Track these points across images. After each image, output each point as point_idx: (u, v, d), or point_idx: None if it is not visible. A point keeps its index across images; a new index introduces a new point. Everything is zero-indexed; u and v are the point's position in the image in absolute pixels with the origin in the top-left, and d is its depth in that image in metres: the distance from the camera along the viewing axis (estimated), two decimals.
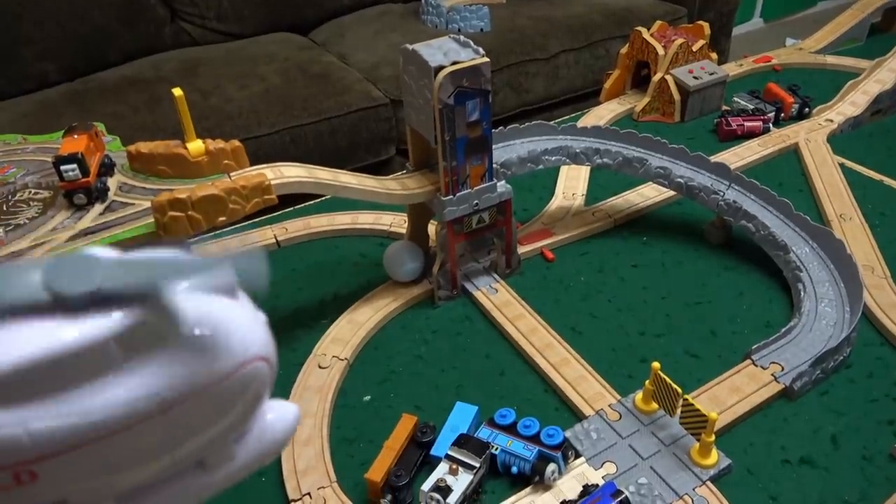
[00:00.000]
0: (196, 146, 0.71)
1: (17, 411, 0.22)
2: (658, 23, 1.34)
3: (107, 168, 0.72)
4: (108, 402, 0.23)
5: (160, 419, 0.25)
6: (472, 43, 0.79)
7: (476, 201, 0.84)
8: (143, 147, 0.72)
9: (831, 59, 1.47)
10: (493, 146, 0.85)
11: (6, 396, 0.22)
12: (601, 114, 1.29)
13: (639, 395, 0.72)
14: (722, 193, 0.93)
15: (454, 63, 0.75)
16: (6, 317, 0.23)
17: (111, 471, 0.25)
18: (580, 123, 1.23)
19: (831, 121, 1.22)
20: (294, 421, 0.32)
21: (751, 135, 1.20)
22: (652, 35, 1.30)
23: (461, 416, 0.71)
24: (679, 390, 0.66)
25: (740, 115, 1.21)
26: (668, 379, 0.67)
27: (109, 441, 0.24)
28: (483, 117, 0.79)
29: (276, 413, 0.31)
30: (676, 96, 1.25)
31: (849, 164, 1.12)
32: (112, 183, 0.71)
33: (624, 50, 1.33)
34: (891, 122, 1.25)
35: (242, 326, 0.27)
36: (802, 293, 0.83)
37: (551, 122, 1.00)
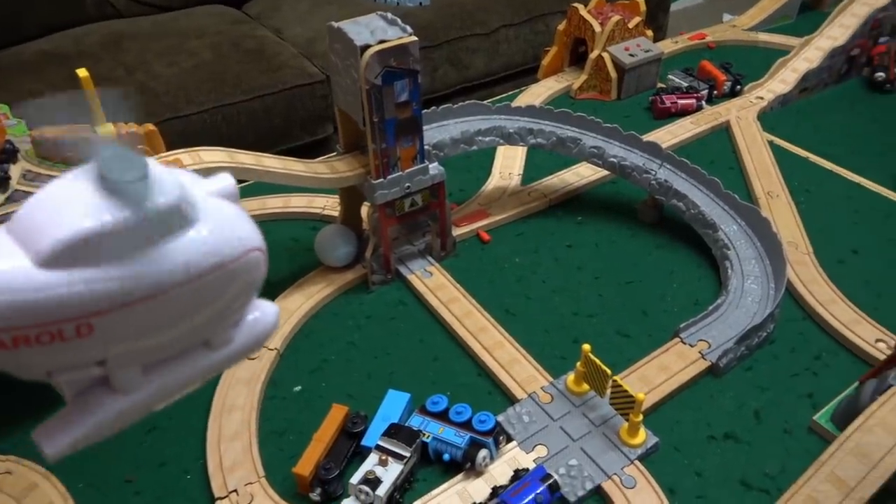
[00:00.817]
0: (106, 130, 0.67)
1: (82, 272, 0.27)
2: (595, 0, 1.33)
3: (8, 154, 0.67)
4: (150, 270, 0.29)
5: (187, 289, 0.30)
6: (399, 21, 0.76)
7: (408, 184, 0.82)
8: (49, 132, 0.68)
9: (763, 37, 1.50)
10: (425, 127, 0.83)
11: (74, 260, 0.27)
12: (538, 92, 1.29)
13: (570, 376, 0.73)
14: (654, 172, 0.93)
15: (381, 42, 0.73)
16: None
17: (146, 333, 0.30)
18: (516, 102, 1.22)
19: (762, 98, 1.24)
20: (274, 318, 0.37)
21: (684, 112, 1.21)
22: (589, 12, 1.30)
23: (393, 405, 0.70)
24: (608, 371, 0.67)
25: (674, 93, 1.22)
26: (597, 360, 0.67)
27: (150, 302, 0.29)
28: (412, 98, 0.77)
29: (261, 311, 0.37)
30: (613, 74, 1.25)
31: (777, 141, 1.15)
32: (15, 171, 0.67)
33: (561, 26, 1.32)
34: (818, 99, 1.29)
35: (246, 221, 0.33)
36: (730, 271, 0.84)
37: (485, 102, 0.99)
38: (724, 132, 1.18)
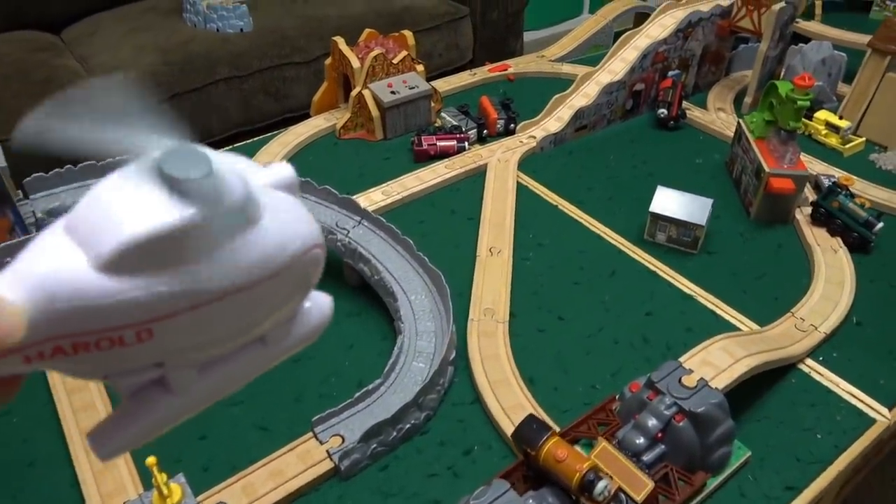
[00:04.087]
0: None
1: (145, 277, 0.26)
2: (367, 31, 1.25)
3: None
4: (210, 273, 0.27)
5: (249, 290, 0.29)
6: None
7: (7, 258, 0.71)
8: None
9: (567, 68, 1.43)
10: (36, 195, 0.73)
11: (137, 263, 0.26)
12: (300, 131, 1.19)
13: (154, 493, 0.62)
14: (346, 232, 0.84)
15: None
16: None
17: (206, 334, 0.29)
18: (276, 144, 1.13)
19: (534, 137, 1.17)
20: (329, 309, 0.35)
21: (445, 155, 1.13)
22: (359, 44, 1.21)
23: None
24: (168, 490, 0.57)
25: (435, 135, 1.14)
26: (161, 478, 0.57)
27: (209, 307, 0.28)
28: None
29: (314, 302, 0.34)
30: (375, 112, 1.16)
31: (533, 186, 1.07)
32: None
33: (328, 61, 1.23)
34: (597, 138, 1.22)
35: (307, 218, 0.31)
36: (398, 350, 0.75)
37: None
38: (481, 176, 1.09)
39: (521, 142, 1.16)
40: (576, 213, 1.01)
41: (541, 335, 0.81)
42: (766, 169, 0.96)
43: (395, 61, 1.18)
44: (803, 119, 1.21)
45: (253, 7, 1.87)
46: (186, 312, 0.28)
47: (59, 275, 0.25)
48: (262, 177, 0.31)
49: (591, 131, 1.22)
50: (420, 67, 1.21)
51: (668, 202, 0.92)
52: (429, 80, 1.33)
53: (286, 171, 0.32)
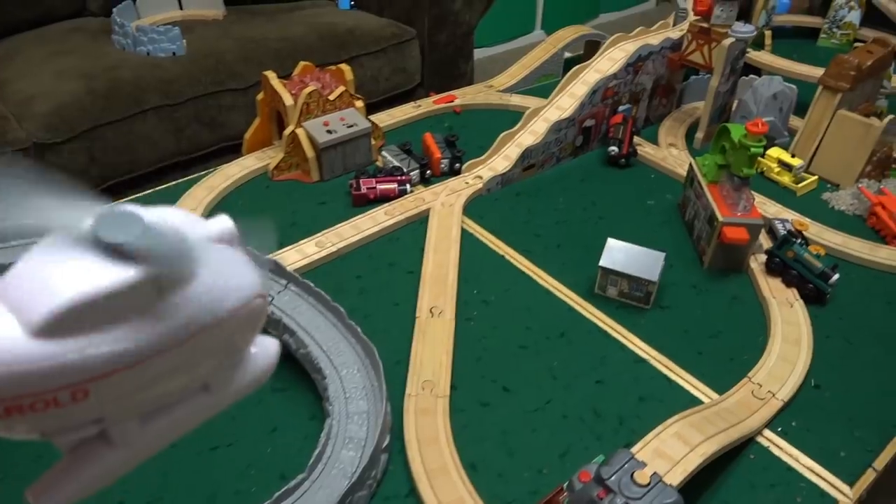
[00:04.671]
0: None
1: (78, 340, 0.26)
2: (302, 64, 1.17)
3: None
4: (147, 331, 0.27)
5: (188, 345, 0.29)
6: None
7: None
8: None
9: (516, 100, 1.37)
10: None
11: (70, 327, 0.26)
12: (231, 172, 1.11)
13: None
14: (270, 299, 0.76)
15: None
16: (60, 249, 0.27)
17: (144, 389, 0.29)
18: (205, 185, 1.05)
19: (480, 178, 1.11)
20: (275, 354, 0.36)
21: (386, 198, 1.06)
22: (293, 79, 1.13)
23: None
24: None
25: (375, 176, 1.07)
26: None
27: (146, 364, 0.28)
28: None
29: (260, 347, 0.35)
30: (310, 153, 1.09)
31: (478, 233, 1.01)
32: None
33: (260, 96, 1.15)
34: (547, 177, 1.16)
35: (248, 269, 0.32)
36: (325, 437, 0.68)
37: None
38: (424, 223, 1.03)
39: (467, 183, 1.10)
40: (524, 264, 0.96)
41: (484, 410, 0.74)
42: (720, 218, 0.91)
43: (331, 98, 1.10)
44: None
45: (188, 29, 1.77)
46: (123, 370, 0.27)
47: None
48: (200, 230, 0.31)
49: (540, 170, 1.16)
50: (359, 103, 1.14)
51: (619, 255, 0.87)
52: (374, 105, 1.27)
53: (225, 223, 0.33)
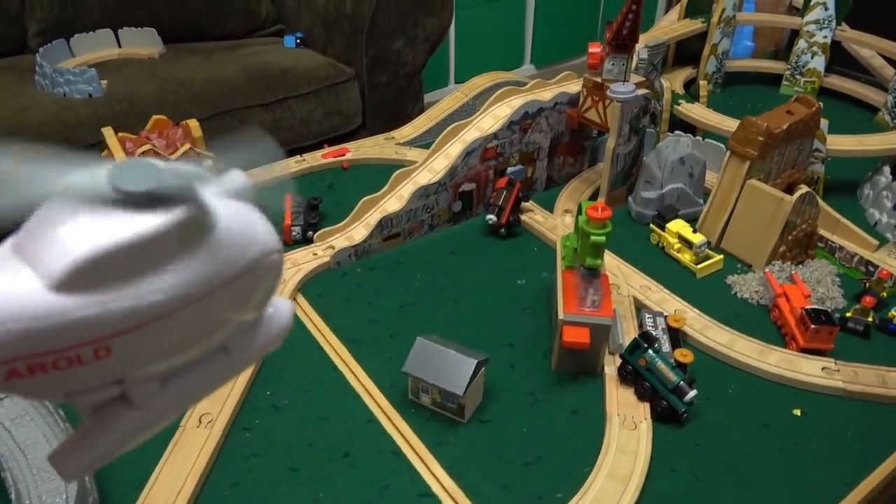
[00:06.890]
0: None
1: (98, 294, 0.25)
2: (154, 118, 1.08)
3: None
4: (169, 285, 0.27)
5: (209, 300, 0.28)
6: None
7: None
8: None
9: (413, 154, 1.26)
10: None
11: (90, 281, 0.25)
12: None
13: None
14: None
15: None
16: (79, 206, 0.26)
17: (166, 348, 0.29)
18: None
19: (333, 247, 0.99)
20: (291, 315, 0.35)
21: None
22: (140, 135, 1.04)
23: None
24: None
25: None
26: None
27: (169, 319, 0.27)
28: None
29: (276, 308, 0.34)
30: None
31: (309, 316, 0.89)
32: None
33: (104, 153, 1.06)
34: (410, 248, 1.03)
35: (264, 224, 0.31)
36: None
37: None
38: None
39: (315, 254, 0.98)
40: (343, 357, 0.83)
41: None
42: (561, 315, 0.77)
43: (173, 156, 1.01)
44: (656, 230, 1.03)
45: (118, 68, 1.72)
46: (145, 326, 0.27)
47: (10, 296, 0.24)
48: (217, 185, 0.31)
49: (408, 239, 1.04)
50: (208, 162, 1.04)
51: (428, 358, 0.74)
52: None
53: (240, 179, 0.32)
